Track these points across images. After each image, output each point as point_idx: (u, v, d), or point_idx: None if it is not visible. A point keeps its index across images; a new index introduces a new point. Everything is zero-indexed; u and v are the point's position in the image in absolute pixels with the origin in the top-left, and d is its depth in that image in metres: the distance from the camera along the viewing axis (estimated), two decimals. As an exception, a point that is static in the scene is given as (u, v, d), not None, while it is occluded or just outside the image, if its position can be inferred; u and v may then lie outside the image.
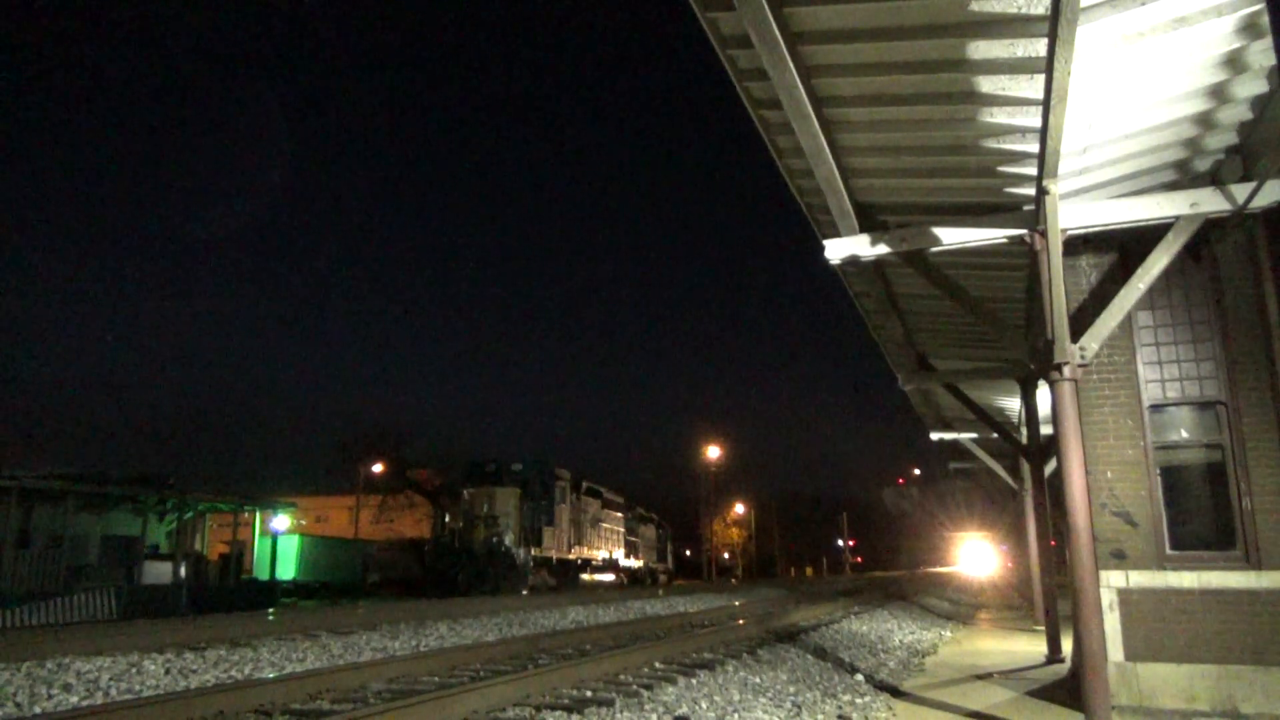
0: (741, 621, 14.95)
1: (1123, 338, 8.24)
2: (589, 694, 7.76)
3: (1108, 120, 6.68)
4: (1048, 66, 5.41)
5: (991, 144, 6.94)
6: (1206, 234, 7.83)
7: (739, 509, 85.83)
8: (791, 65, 5.69)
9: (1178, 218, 7.25)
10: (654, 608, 21.43)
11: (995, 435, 16.28)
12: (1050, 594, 12.41)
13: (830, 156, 6.98)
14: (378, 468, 45.78)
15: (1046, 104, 5.71)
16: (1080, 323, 7.39)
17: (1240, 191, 7.09)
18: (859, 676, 9.58)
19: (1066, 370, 6.89)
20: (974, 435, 20.48)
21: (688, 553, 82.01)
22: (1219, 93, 6.37)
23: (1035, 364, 7.58)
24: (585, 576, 40.07)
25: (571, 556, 38.52)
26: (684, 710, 7.12)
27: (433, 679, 8.91)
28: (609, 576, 43.76)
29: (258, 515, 31.60)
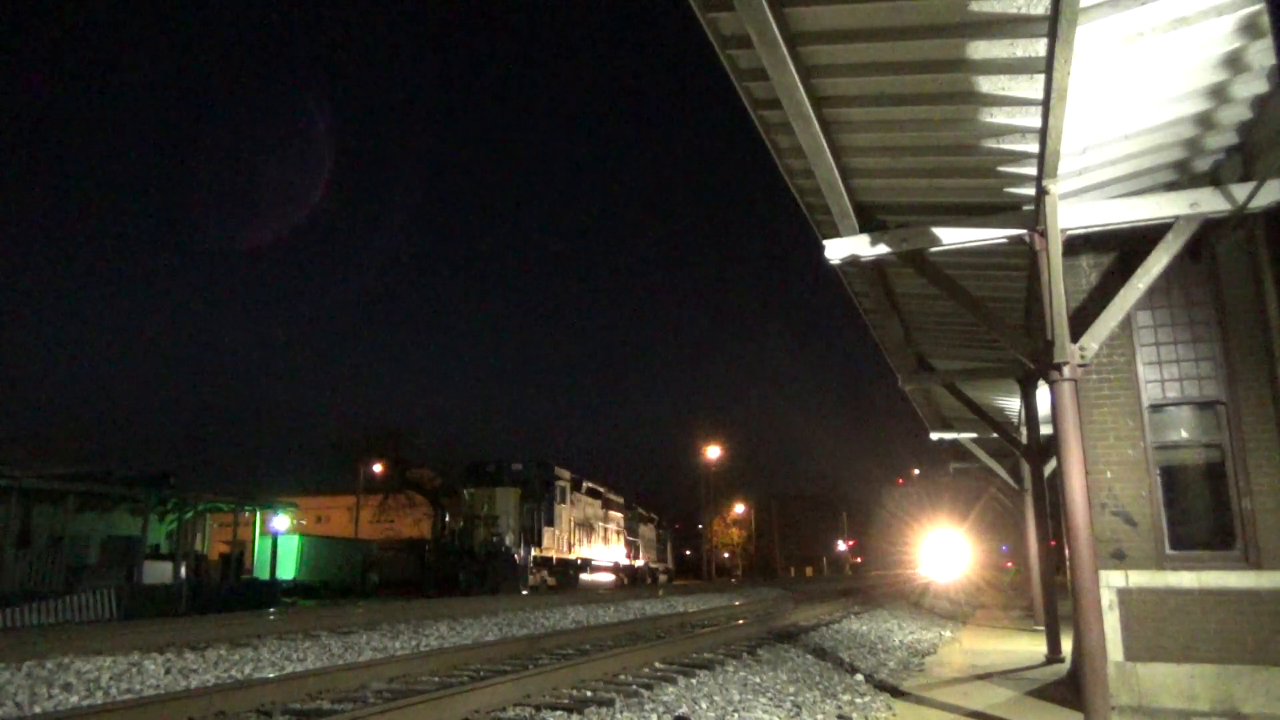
0: (741, 621, 14.95)
1: (1122, 338, 8.24)
2: (589, 694, 7.76)
3: (1107, 120, 6.68)
4: (1048, 66, 5.41)
5: (991, 144, 6.94)
6: (1206, 234, 7.83)
7: (739, 509, 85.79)
8: (791, 65, 5.69)
9: (1177, 218, 7.25)
10: (654, 608, 21.43)
11: (995, 435, 16.28)
12: (1050, 594, 12.41)
13: (830, 156, 6.99)
14: (378, 468, 45.79)
15: (1046, 104, 5.71)
16: (1080, 323, 7.39)
17: (1240, 191, 7.09)
18: (859, 676, 9.58)
19: (1066, 370, 6.89)
20: (974, 435, 20.48)
21: (688, 553, 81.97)
22: (1219, 93, 6.37)
23: (1035, 364, 7.57)
24: (585, 576, 40.03)
25: (571, 556, 38.49)
26: (684, 710, 7.12)
27: (433, 679, 8.91)
28: (609, 576, 43.73)
29: (258, 515, 31.59)
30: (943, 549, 33.63)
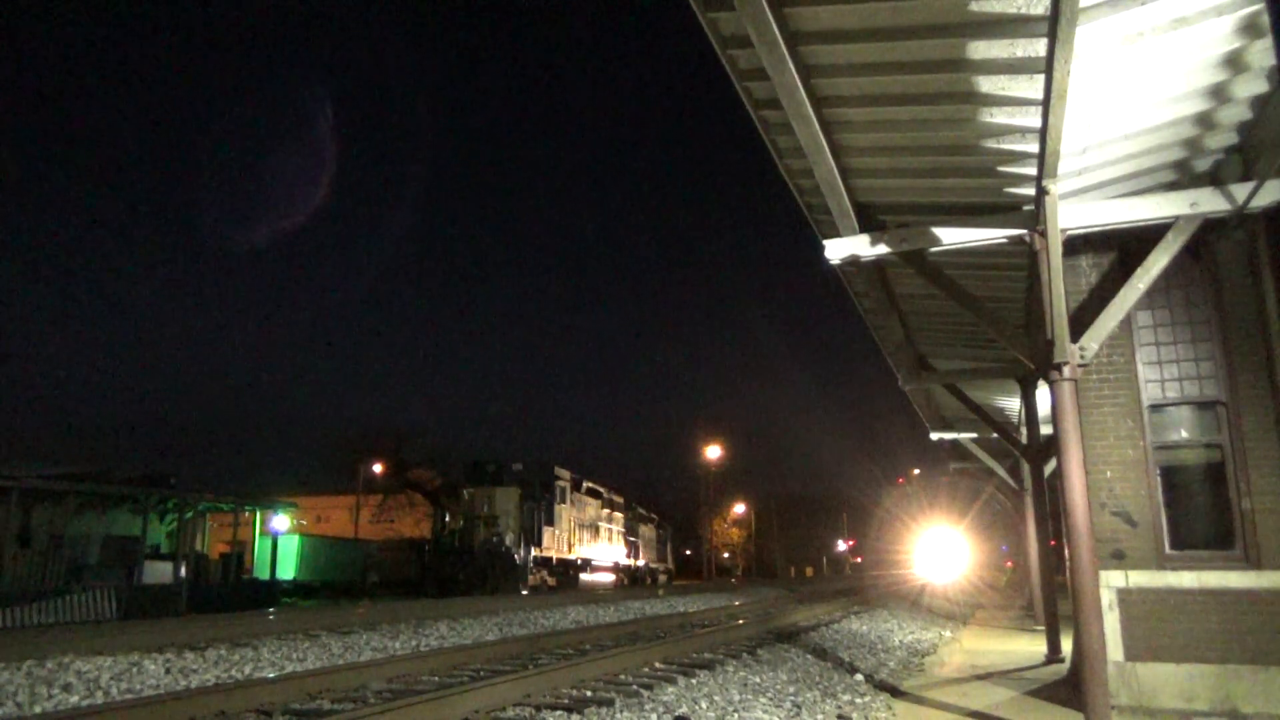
0: (741, 621, 14.95)
1: (1122, 338, 8.24)
2: (589, 694, 7.77)
3: (1107, 120, 6.68)
4: (1047, 66, 5.41)
5: (991, 144, 6.94)
6: (1206, 234, 7.83)
7: (739, 509, 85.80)
8: (791, 65, 5.69)
9: (1177, 218, 7.25)
10: (654, 608, 21.43)
11: (995, 435, 16.27)
12: (1050, 594, 12.41)
13: (830, 156, 6.99)
14: (378, 468, 45.78)
15: (1046, 104, 5.71)
16: (1080, 323, 7.39)
17: (1240, 191, 7.09)
18: (859, 676, 9.58)
19: (1066, 370, 6.89)
20: (974, 435, 20.47)
21: (688, 553, 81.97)
22: (1219, 93, 6.37)
23: (1035, 364, 7.57)
24: (585, 576, 40.04)
25: (571, 556, 38.50)
26: (684, 710, 7.12)
27: (433, 679, 8.91)
28: (609, 576, 43.73)
29: (258, 515, 31.60)
30: (942, 549, 32.47)
